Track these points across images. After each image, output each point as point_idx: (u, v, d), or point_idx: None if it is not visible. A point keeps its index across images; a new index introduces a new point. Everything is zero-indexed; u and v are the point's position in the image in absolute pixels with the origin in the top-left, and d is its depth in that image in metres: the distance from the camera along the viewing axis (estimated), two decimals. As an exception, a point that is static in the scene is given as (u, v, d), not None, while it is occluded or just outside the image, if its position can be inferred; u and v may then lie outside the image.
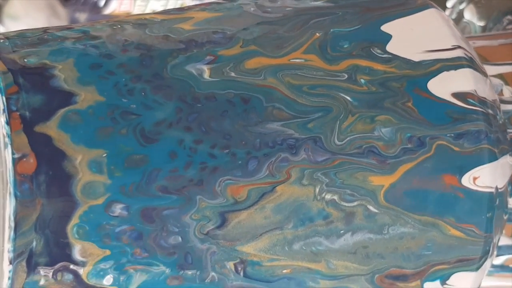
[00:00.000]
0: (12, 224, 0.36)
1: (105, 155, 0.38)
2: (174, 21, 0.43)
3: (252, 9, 0.44)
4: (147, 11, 0.67)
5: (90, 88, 0.39)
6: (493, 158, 0.43)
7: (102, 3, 0.72)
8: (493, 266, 0.53)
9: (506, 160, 0.44)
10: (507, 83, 0.51)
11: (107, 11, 0.70)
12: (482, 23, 0.61)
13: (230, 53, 0.41)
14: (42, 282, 0.37)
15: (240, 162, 0.39)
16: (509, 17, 0.62)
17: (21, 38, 0.40)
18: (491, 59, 0.52)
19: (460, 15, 0.62)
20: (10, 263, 0.36)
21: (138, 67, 0.40)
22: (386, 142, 0.41)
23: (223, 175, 0.39)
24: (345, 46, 0.43)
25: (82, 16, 0.71)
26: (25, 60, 0.39)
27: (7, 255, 0.36)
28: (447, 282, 0.43)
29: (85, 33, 0.41)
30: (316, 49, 0.42)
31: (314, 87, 0.41)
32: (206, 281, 0.40)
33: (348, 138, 0.41)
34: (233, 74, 0.41)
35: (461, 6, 0.62)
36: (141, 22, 0.43)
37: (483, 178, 0.42)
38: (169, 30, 0.42)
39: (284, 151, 0.40)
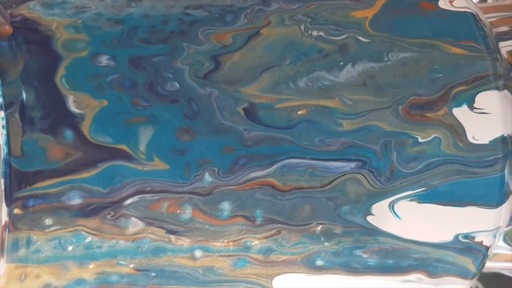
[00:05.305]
0: (-4, 69, 0.34)
1: (80, 21, 0.37)
2: None
3: None
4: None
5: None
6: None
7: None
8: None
9: None
10: None
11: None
12: None
13: None
14: (42, 141, 0.34)
15: (216, 15, 0.39)
16: None
17: None
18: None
19: None
20: (1, 108, 0.33)
21: None
22: None
23: (202, 26, 0.38)
24: None
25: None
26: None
27: (-4, 100, 0.34)
28: (475, 105, 0.40)
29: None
30: None
31: None
32: (218, 133, 0.36)
33: (315, -10, 0.41)
34: None
35: None
36: None
37: (459, -1, 0.42)
38: None
39: (257, 5, 0.40)
